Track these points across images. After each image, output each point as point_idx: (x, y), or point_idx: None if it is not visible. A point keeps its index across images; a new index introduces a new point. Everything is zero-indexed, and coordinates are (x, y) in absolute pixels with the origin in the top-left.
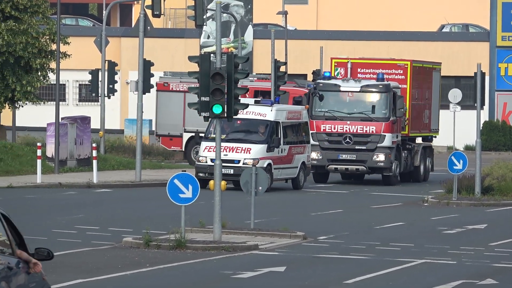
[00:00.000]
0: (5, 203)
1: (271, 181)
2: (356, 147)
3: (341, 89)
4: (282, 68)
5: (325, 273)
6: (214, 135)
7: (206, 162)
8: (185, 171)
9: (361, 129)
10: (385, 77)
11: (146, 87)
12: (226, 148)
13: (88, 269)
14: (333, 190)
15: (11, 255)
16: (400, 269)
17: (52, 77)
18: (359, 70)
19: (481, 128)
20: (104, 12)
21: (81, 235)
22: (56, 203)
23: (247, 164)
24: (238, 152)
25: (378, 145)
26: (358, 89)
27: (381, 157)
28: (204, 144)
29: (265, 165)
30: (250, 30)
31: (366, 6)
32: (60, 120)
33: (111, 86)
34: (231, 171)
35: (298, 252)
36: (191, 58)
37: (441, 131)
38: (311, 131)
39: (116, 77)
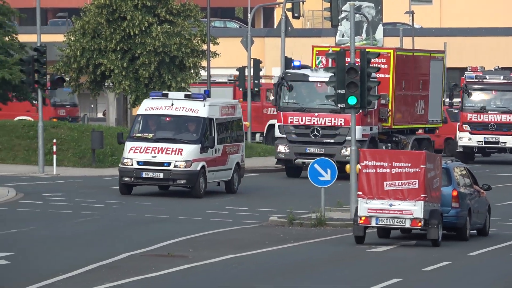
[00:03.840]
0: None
1: (205, 185)
2: (324, 140)
3: (310, 79)
4: None
5: (450, 246)
6: (140, 134)
7: (132, 165)
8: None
9: (329, 121)
10: None
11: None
12: (154, 149)
13: (238, 245)
14: None
15: (472, 188)
16: None
17: (203, 74)
18: None
19: None
20: (249, 15)
21: (232, 215)
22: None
23: (179, 167)
24: (168, 154)
25: (347, 138)
26: (327, 79)
27: (349, 150)
28: (129, 144)
29: (198, 168)
30: (380, 29)
31: (487, 4)
32: None
33: (256, 81)
34: (161, 175)
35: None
36: (328, 55)
37: None
38: (278, 123)
39: (261, 73)
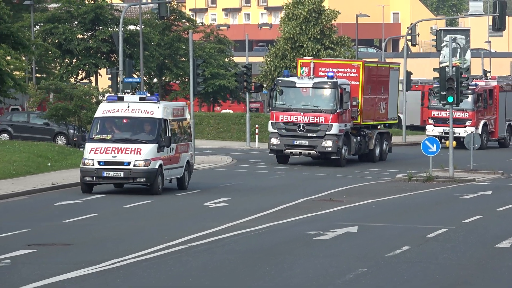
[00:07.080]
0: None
1: (162, 183)
2: (308, 135)
3: (296, 85)
4: (488, 74)
5: None
6: (99, 136)
7: (93, 165)
8: None
9: (313, 119)
10: (340, 75)
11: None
12: (114, 149)
13: (375, 193)
14: None
15: None
16: None
17: None
18: (320, 69)
19: None
20: (383, 43)
21: (371, 174)
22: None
23: (138, 166)
24: (128, 153)
25: (327, 133)
26: (311, 85)
27: (328, 143)
28: (89, 145)
29: (156, 166)
30: (468, 53)
31: None
32: None
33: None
34: (121, 174)
35: (499, 182)
36: (435, 70)
37: None
38: (271, 121)
39: None
